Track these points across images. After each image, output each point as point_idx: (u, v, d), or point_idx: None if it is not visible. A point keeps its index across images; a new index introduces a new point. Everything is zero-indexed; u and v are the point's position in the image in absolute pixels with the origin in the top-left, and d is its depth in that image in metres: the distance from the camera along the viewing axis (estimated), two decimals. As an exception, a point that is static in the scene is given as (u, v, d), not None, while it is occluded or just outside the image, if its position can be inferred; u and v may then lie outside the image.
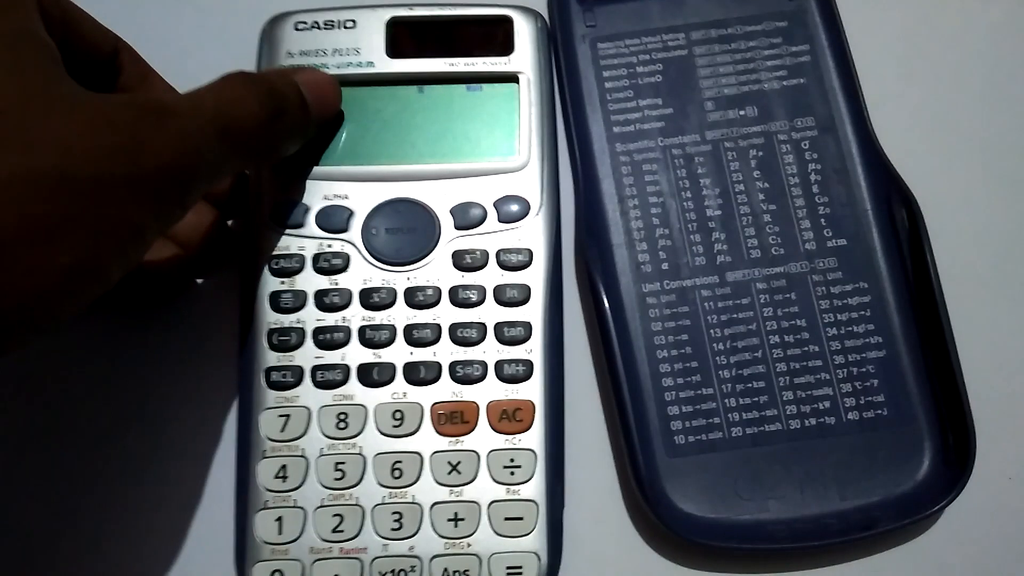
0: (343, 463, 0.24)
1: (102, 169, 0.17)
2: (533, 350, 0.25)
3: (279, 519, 0.24)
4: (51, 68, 0.18)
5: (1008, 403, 0.27)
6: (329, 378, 0.24)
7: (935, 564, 0.25)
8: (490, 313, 0.25)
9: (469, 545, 0.23)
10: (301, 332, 0.25)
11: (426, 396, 0.24)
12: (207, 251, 0.25)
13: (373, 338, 0.25)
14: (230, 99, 0.21)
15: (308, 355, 0.25)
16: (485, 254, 0.25)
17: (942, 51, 0.30)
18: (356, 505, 0.24)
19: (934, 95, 0.30)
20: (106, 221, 0.17)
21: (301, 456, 0.24)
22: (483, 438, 0.24)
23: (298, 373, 0.25)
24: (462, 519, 0.24)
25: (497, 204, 0.26)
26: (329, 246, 0.25)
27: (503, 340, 0.25)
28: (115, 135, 0.17)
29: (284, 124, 0.22)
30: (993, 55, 0.30)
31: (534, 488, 0.24)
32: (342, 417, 0.24)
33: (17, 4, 0.19)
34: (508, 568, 0.23)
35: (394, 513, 0.24)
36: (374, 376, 0.25)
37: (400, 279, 0.25)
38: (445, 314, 0.25)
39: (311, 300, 0.25)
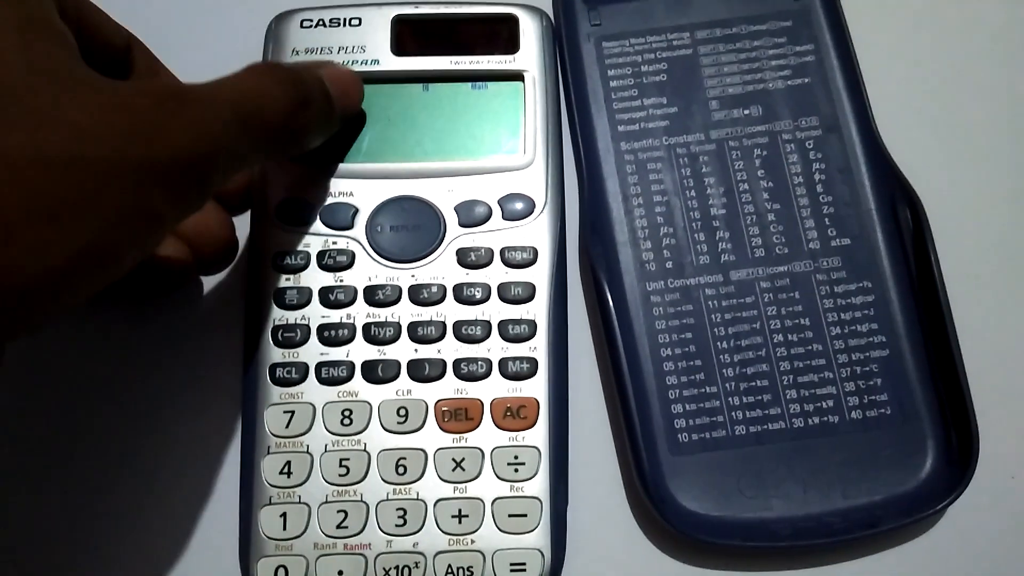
0: (347, 459, 0.24)
1: (115, 152, 0.17)
2: (537, 347, 0.25)
3: (283, 515, 0.24)
4: (65, 53, 0.18)
5: (1011, 402, 0.27)
6: (334, 374, 0.25)
7: (938, 563, 0.25)
8: (494, 310, 0.25)
9: (473, 542, 0.23)
10: (306, 328, 0.25)
11: (430, 393, 0.24)
12: (215, 251, 0.25)
13: (378, 335, 0.25)
14: (253, 88, 0.20)
15: (313, 351, 0.25)
16: (490, 251, 0.26)
17: (946, 51, 0.30)
18: (360, 501, 0.24)
19: (938, 95, 0.30)
20: (119, 205, 0.17)
21: (305, 452, 0.24)
22: (487, 435, 0.24)
23: (303, 369, 0.25)
24: (466, 515, 0.24)
25: (502, 202, 0.26)
26: (334, 243, 0.26)
27: (507, 337, 0.25)
28: (130, 118, 0.17)
29: (308, 116, 0.22)
30: (998, 55, 0.30)
31: (538, 485, 0.24)
32: (346, 413, 0.24)
33: None
34: (512, 565, 0.23)
35: (398, 509, 0.24)
36: (378, 373, 0.25)
37: (405, 276, 0.25)
38: (449, 311, 0.25)
39: (316, 297, 0.25)
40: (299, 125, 0.22)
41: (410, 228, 0.26)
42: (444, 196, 0.26)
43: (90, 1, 0.22)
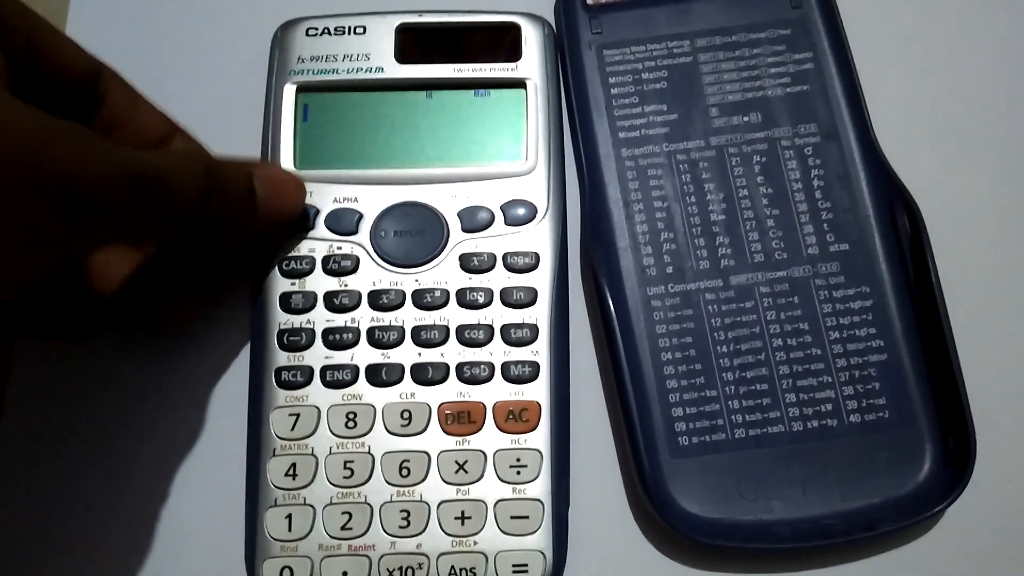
0: (352, 462, 0.24)
1: None
2: (539, 351, 0.25)
3: (289, 516, 0.24)
4: None
5: (1008, 406, 0.27)
6: (338, 378, 0.25)
7: (935, 565, 0.25)
8: (497, 315, 0.25)
9: (475, 543, 0.24)
10: (311, 332, 0.25)
11: (433, 396, 0.25)
12: (125, 301, 0.25)
13: (382, 339, 0.25)
14: (163, 163, 0.20)
15: (318, 355, 0.25)
16: (492, 257, 0.26)
17: (944, 58, 0.31)
18: (364, 503, 0.24)
19: (936, 102, 0.30)
20: None
21: (310, 455, 0.24)
22: (490, 438, 0.24)
23: (308, 373, 0.25)
24: (469, 517, 0.24)
25: (504, 208, 0.26)
26: (339, 248, 0.26)
27: (509, 341, 0.25)
28: (21, 130, 0.17)
29: (219, 207, 0.21)
30: (996, 62, 0.31)
31: (540, 487, 0.24)
32: (351, 416, 0.25)
33: None
34: (514, 566, 0.24)
35: (402, 511, 0.24)
36: (382, 376, 0.25)
37: (408, 281, 0.26)
38: (452, 315, 0.25)
39: (321, 301, 0.25)
40: (209, 214, 0.21)
41: (414, 233, 0.26)
42: (447, 202, 0.26)
43: (51, 27, 0.22)
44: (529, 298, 0.26)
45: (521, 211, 0.26)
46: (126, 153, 0.19)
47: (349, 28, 0.28)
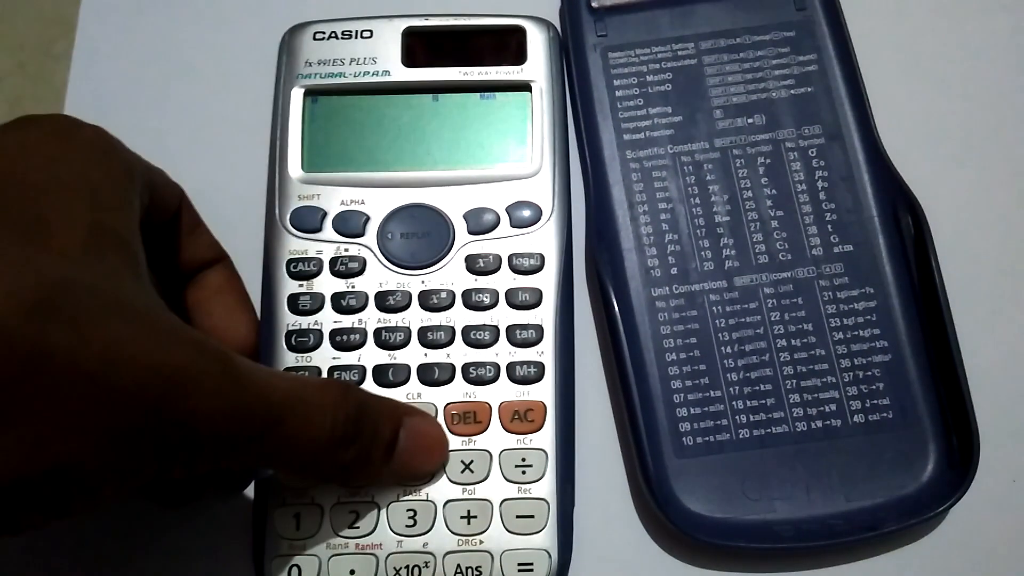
0: (359, 461, 0.24)
1: (141, 380, 0.16)
2: (544, 352, 0.25)
3: (297, 515, 0.24)
4: (120, 266, 0.18)
5: (1012, 407, 0.27)
6: (345, 378, 0.25)
7: (939, 565, 0.26)
8: (502, 316, 0.26)
9: (481, 542, 0.24)
10: (319, 333, 0.25)
11: (440, 396, 0.25)
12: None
13: (388, 340, 0.25)
14: (303, 396, 0.19)
15: (325, 356, 0.25)
16: (498, 258, 0.26)
17: (948, 60, 0.31)
18: (371, 502, 0.24)
19: (940, 103, 0.30)
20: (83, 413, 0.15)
21: (318, 454, 0.24)
22: (495, 438, 0.25)
23: (315, 374, 0.25)
24: (475, 516, 0.24)
25: (510, 209, 0.27)
26: (346, 250, 0.26)
27: (515, 342, 0.25)
28: (161, 360, 0.16)
29: (354, 455, 0.20)
30: (999, 64, 0.31)
31: (545, 487, 0.24)
32: (358, 416, 0.25)
33: (101, 201, 0.18)
34: (519, 565, 0.24)
35: (408, 510, 0.24)
36: (389, 377, 0.25)
37: (415, 282, 0.26)
38: (458, 317, 0.26)
39: (328, 302, 0.26)
40: (339, 461, 0.20)
41: (420, 235, 0.26)
42: (453, 204, 0.27)
43: (156, 169, 0.22)
44: (534, 299, 0.26)
45: (526, 213, 0.27)
46: (261, 385, 0.18)
47: (356, 32, 0.28)
